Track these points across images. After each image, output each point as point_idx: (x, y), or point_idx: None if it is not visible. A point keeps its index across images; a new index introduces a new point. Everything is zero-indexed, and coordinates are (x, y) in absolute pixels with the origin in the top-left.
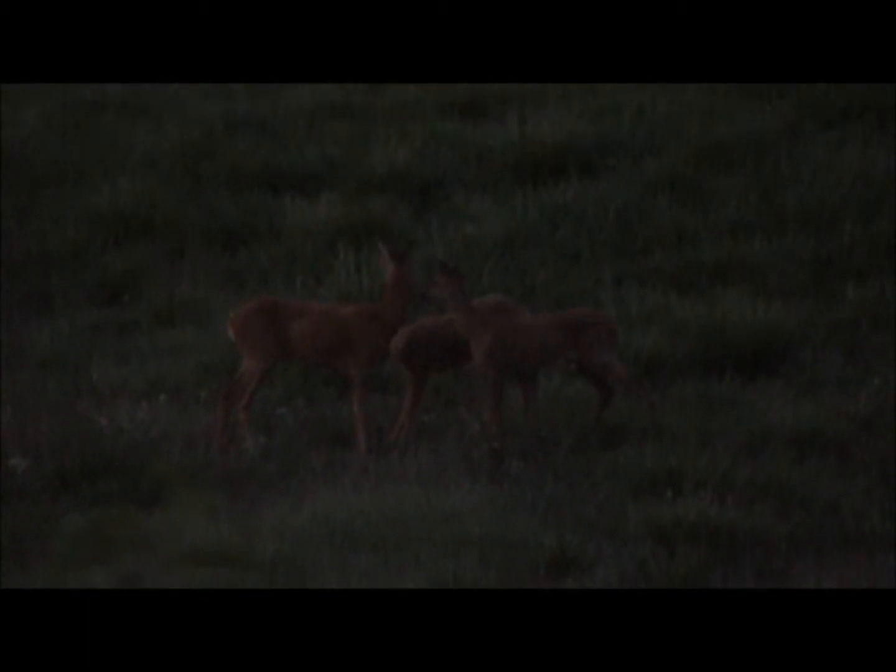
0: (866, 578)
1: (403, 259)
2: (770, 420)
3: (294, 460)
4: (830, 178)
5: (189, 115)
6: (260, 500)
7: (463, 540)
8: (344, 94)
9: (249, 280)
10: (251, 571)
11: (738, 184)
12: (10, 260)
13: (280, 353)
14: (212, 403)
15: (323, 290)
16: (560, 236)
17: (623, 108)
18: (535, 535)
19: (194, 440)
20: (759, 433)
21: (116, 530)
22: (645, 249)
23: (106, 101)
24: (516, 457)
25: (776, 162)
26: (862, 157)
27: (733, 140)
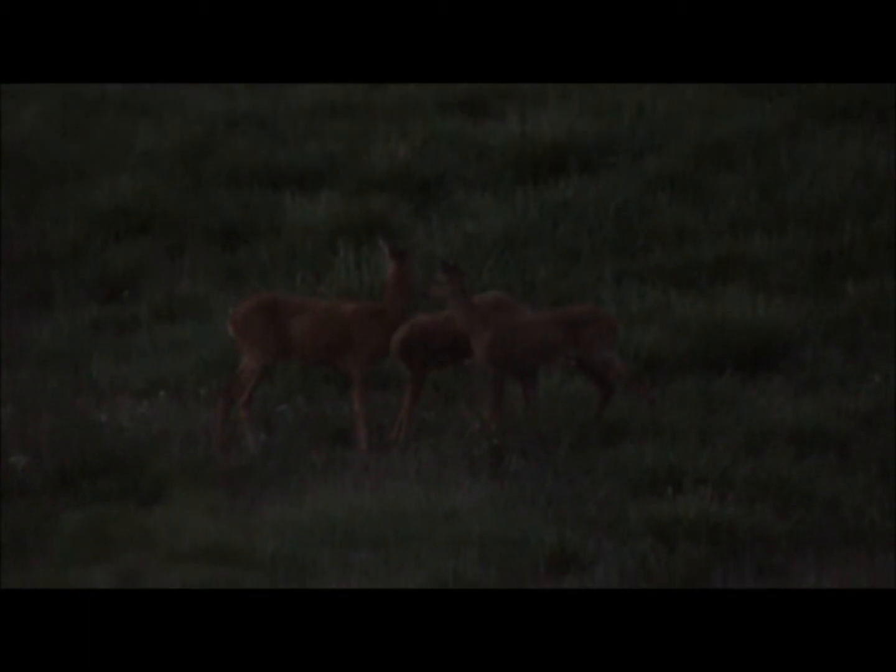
0: (867, 576)
1: (404, 257)
2: (770, 417)
3: (294, 458)
4: (830, 175)
5: (189, 112)
6: (260, 497)
7: (463, 537)
8: (344, 92)
9: (250, 277)
10: (252, 569)
11: (739, 181)
12: (11, 257)
13: (280, 351)
14: (212, 401)
15: (323, 288)
16: (560, 234)
17: (623, 105)
18: (535, 533)
19: (194, 437)
20: (759, 430)
21: (116, 528)
22: (645, 247)
23: (106, 98)
24: (516, 454)
25: (776, 159)
26: (862, 155)
27: (733, 138)
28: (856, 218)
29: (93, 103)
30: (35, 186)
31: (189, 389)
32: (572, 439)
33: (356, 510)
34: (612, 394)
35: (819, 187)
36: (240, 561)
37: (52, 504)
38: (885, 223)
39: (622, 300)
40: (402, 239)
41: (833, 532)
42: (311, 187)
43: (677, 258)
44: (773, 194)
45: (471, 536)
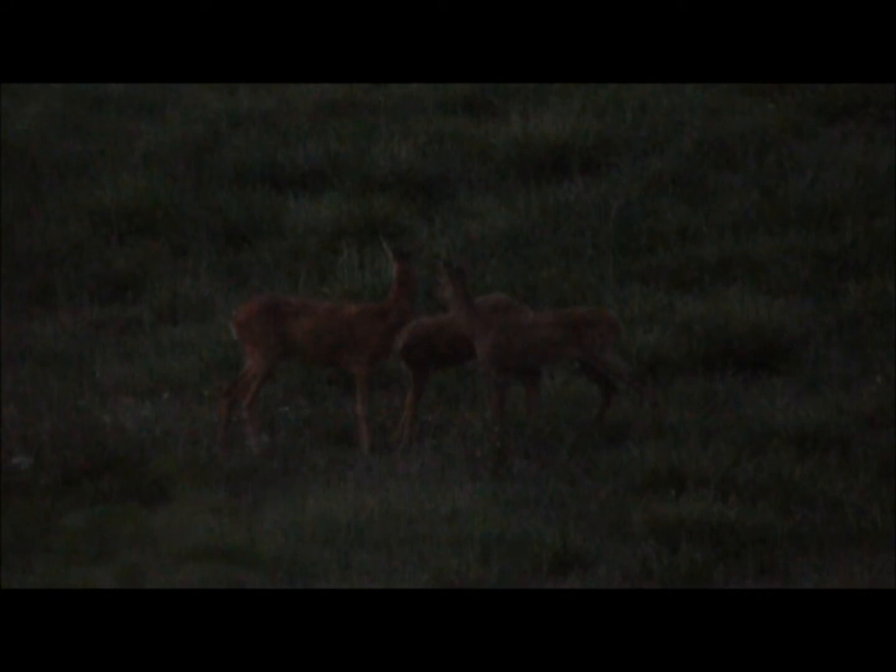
0: (868, 576)
1: (407, 259)
2: (772, 418)
3: (296, 459)
4: (832, 175)
5: (192, 111)
6: (263, 498)
7: (466, 538)
8: (347, 93)
9: (253, 277)
10: (254, 569)
11: (741, 181)
12: (13, 256)
13: (283, 352)
14: (215, 401)
15: (326, 288)
16: (563, 234)
17: (625, 105)
18: (537, 534)
19: (197, 438)
20: (761, 431)
21: (119, 528)
22: (647, 247)
23: (109, 97)
24: (519, 455)
25: (778, 159)
26: (864, 154)
27: (735, 137)
28: (858, 217)
29: (95, 102)
30: (38, 185)
31: (192, 390)
32: (574, 440)
33: (358, 511)
34: (615, 395)
35: (821, 187)
36: (242, 561)
37: (55, 503)
38: (888, 222)
39: (624, 301)
40: (404, 239)
41: (835, 532)
42: (314, 188)
43: (680, 258)
44: (776, 194)
45: (473, 537)
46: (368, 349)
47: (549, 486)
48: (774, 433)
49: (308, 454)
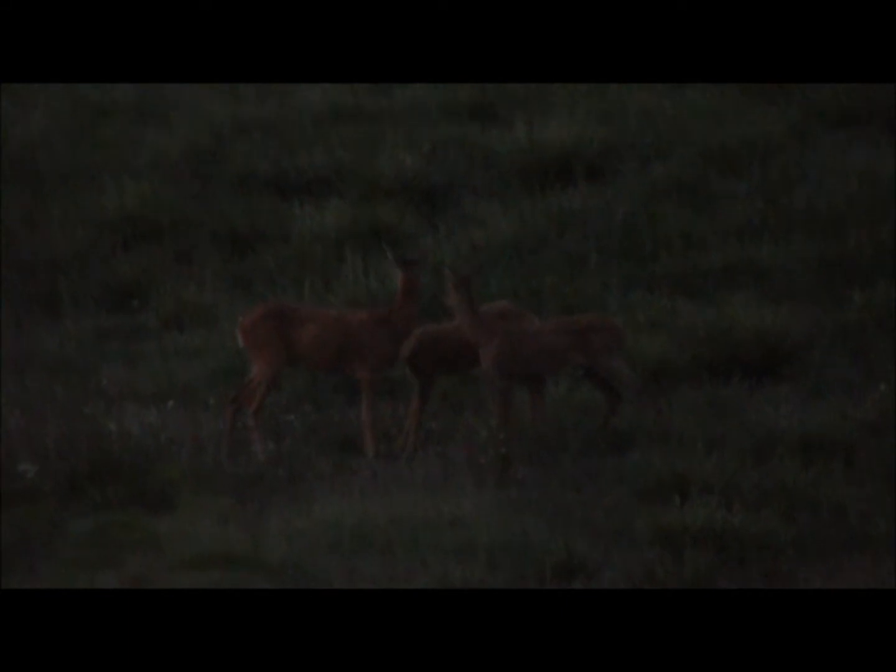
0: (872, 583)
1: (412, 266)
2: (777, 424)
3: (302, 465)
4: (837, 181)
5: (197, 118)
6: (268, 504)
7: (470, 545)
8: (352, 99)
9: (258, 284)
10: (259, 576)
11: (745, 187)
12: (18, 263)
13: (289, 359)
14: (220, 408)
15: (331, 295)
16: (567, 241)
17: (629, 112)
18: (542, 540)
19: (203, 445)
20: (765, 438)
21: (125, 535)
22: (652, 254)
23: (114, 103)
24: (523, 462)
25: (783, 165)
26: (868, 160)
27: (740, 143)
28: (862, 224)
29: (100, 109)
30: (42, 192)
31: (197, 397)
32: (579, 447)
33: (364, 517)
34: (619, 402)
35: (825, 194)
36: (248, 567)
37: (61, 510)
38: (892, 230)
39: (629, 308)
40: (409, 247)
41: (839, 539)
42: (319, 195)
43: (684, 265)
44: (780, 201)
45: (477, 544)
46: (374, 356)
47: (554, 493)
48: (779, 440)
49: (314, 461)
